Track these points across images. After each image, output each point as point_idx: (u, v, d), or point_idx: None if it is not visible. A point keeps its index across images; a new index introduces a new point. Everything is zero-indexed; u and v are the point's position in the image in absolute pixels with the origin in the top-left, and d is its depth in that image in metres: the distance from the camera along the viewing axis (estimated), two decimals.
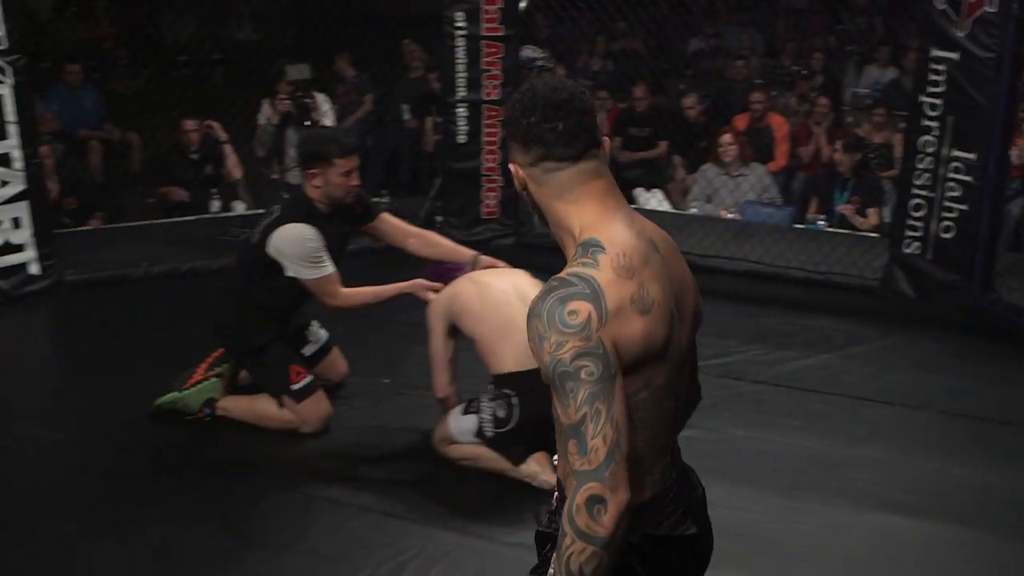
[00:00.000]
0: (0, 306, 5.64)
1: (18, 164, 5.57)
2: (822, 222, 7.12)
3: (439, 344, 4.04)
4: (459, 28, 6.11)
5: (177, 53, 10.85)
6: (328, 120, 6.63)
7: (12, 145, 5.53)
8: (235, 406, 4.40)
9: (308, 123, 6.51)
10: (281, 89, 6.48)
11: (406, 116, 8.71)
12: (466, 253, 4.36)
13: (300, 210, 4.13)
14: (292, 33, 9.42)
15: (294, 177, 6.65)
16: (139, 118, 8.68)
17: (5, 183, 5.55)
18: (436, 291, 4.09)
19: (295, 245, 4.06)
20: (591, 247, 1.87)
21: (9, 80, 5.45)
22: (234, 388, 4.49)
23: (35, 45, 8.01)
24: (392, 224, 4.45)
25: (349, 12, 7.80)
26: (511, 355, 3.80)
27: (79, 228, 6.90)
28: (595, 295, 1.81)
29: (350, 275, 4.30)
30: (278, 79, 6.64)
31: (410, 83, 8.86)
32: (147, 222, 7.00)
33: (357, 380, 4.74)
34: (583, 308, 1.79)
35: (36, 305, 5.66)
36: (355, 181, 4.16)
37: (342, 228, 4.27)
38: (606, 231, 1.90)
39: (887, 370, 5.07)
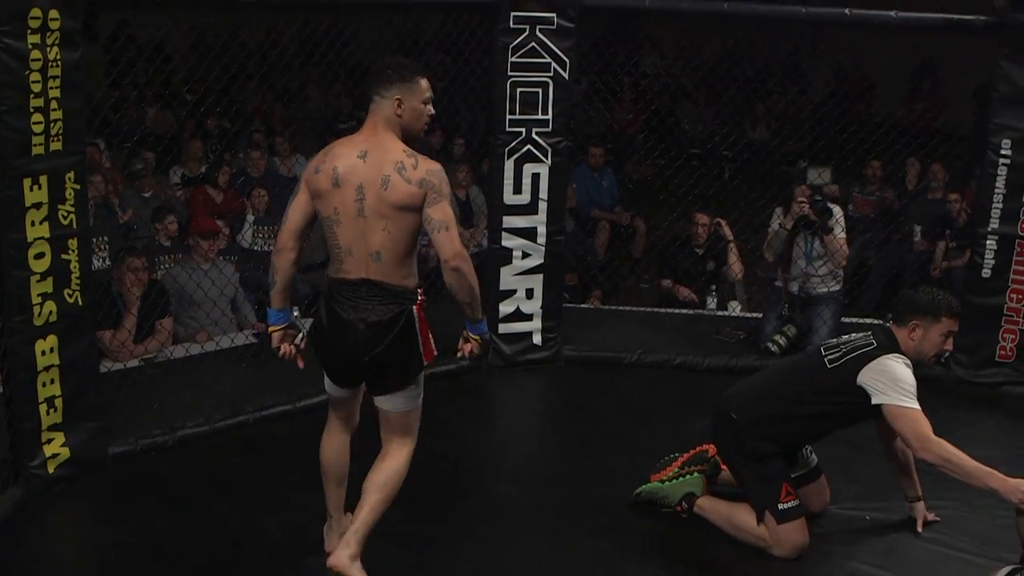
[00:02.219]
0: (500, 369, 5.98)
1: (541, 239, 5.89)
2: None
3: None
4: (1003, 156, 5.69)
5: (691, 146, 11.16)
6: (840, 231, 6.42)
7: (540, 220, 5.87)
8: (713, 508, 4.32)
9: (821, 230, 6.32)
10: (799, 192, 6.37)
11: (917, 237, 8.32)
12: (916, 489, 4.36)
13: (897, 350, 4.07)
14: (808, 137, 9.31)
15: (794, 286, 6.51)
16: (647, 205, 8.97)
17: (527, 255, 5.89)
18: None
19: (894, 372, 3.99)
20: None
21: (548, 160, 5.80)
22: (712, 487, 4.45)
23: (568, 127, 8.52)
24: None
25: (873, 121, 7.59)
26: None
27: (579, 305, 7.20)
28: (314, 160, 3.65)
29: None
30: (796, 181, 6.56)
31: (927, 203, 8.47)
32: (643, 309, 7.14)
33: (835, 511, 4.48)
34: (311, 163, 3.68)
35: (534, 373, 5.94)
36: (949, 347, 4.15)
37: None
38: (346, 138, 3.70)
39: None
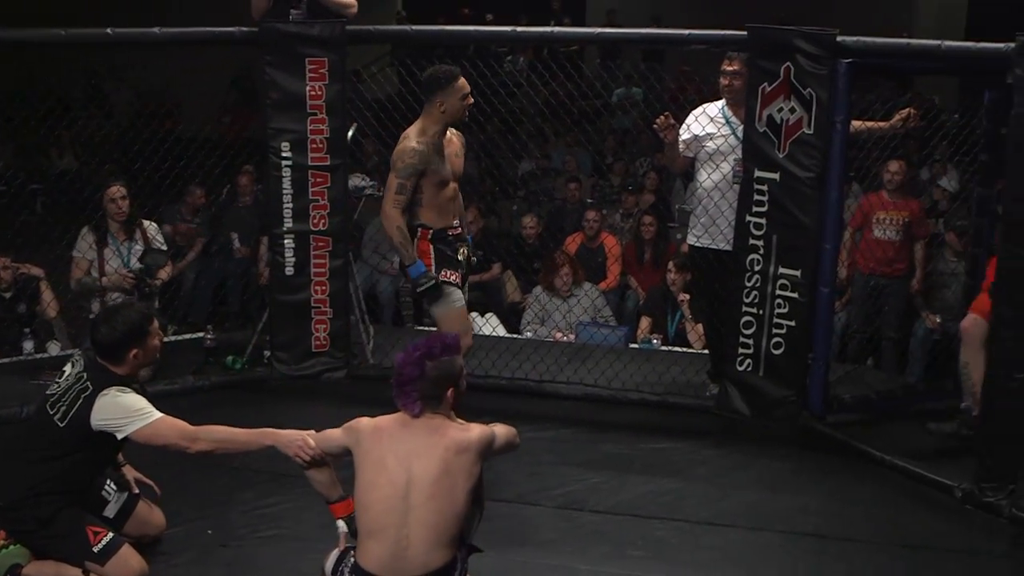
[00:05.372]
0: None
1: None
2: (656, 341, 7.15)
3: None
4: (285, 158, 5.93)
5: None
6: (162, 245, 6.49)
7: None
8: (41, 573, 4.04)
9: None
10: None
11: (236, 244, 8.44)
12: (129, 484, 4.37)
13: (114, 381, 3.98)
14: (116, 160, 9.03)
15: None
16: None
17: None
18: (309, 460, 3.70)
19: (119, 403, 3.93)
20: None
21: None
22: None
23: None
24: None
25: (185, 138, 7.43)
26: (374, 557, 3.38)
27: None
28: None
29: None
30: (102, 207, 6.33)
31: (239, 211, 8.61)
32: None
33: (177, 532, 4.44)
34: None
35: None
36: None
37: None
38: None
39: (729, 492, 5.02)
